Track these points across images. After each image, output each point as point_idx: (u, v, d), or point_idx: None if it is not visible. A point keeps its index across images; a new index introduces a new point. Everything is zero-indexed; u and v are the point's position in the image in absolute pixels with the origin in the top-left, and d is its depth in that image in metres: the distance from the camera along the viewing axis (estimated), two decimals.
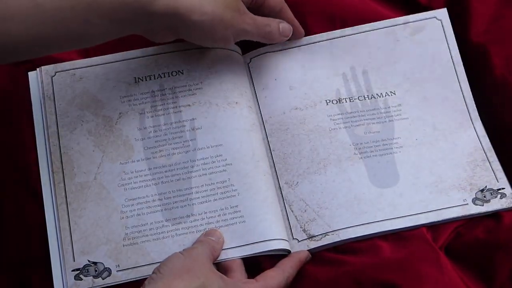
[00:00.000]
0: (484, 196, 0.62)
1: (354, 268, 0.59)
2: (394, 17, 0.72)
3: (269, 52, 0.69)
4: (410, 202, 0.62)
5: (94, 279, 0.58)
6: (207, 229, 0.60)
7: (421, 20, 0.70)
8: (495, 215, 0.63)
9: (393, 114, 0.67)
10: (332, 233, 0.61)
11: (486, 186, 0.63)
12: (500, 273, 0.60)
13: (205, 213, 0.60)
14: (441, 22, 0.70)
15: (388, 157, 0.64)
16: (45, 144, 0.63)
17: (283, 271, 0.58)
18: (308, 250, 0.61)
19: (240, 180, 0.62)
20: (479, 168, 0.64)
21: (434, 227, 0.62)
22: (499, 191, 0.63)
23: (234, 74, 0.67)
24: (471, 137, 0.66)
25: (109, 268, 0.58)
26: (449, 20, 0.70)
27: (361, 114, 0.67)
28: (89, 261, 0.58)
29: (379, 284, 0.58)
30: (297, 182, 0.63)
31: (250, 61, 0.69)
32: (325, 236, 0.61)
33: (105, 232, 0.59)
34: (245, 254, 0.59)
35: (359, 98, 0.67)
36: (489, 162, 0.64)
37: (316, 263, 0.61)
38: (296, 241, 0.61)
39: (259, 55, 0.69)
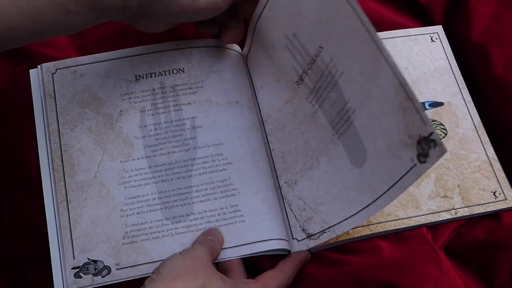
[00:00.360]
0: (423, 149, 0.52)
1: (354, 268, 0.60)
2: (394, 18, 0.73)
3: (254, 44, 0.67)
4: (381, 177, 0.55)
5: (94, 277, 0.57)
6: (206, 228, 0.60)
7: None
8: (495, 215, 0.63)
9: (333, 72, 0.59)
10: (329, 229, 0.60)
11: (419, 135, 0.52)
12: (500, 273, 0.60)
13: (205, 212, 0.60)
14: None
15: (352, 129, 0.58)
16: (46, 142, 0.63)
17: (283, 272, 0.58)
18: (307, 250, 0.61)
19: (240, 179, 0.62)
20: (408, 111, 0.52)
21: (434, 227, 0.63)
22: (430, 137, 0.51)
23: (234, 73, 0.67)
24: (386, 71, 0.53)
25: (108, 266, 0.58)
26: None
27: (319, 85, 0.61)
28: (88, 259, 0.58)
29: (379, 284, 0.58)
30: (296, 181, 0.63)
31: (247, 60, 0.69)
32: (322, 234, 0.60)
33: (105, 230, 0.59)
34: (244, 254, 0.59)
35: (308, 66, 0.62)
36: (411, 101, 0.52)
37: (316, 263, 0.61)
38: (296, 240, 0.61)
39: (249, 48, 0.68)
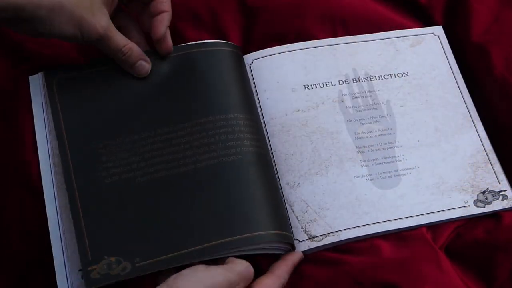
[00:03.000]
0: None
1: (354, 268, 0.60)
2: (394, 18, 0.73)
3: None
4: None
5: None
6: None
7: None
8: (495, 215, 0.63)
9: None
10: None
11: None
12: (500, 273, 0.60)
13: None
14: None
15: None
16: (47, 144, 0.63)
17: (278, 278, 0.57)
18: (308, 250, 0.61)
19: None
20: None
21: (434, 227, 0.63)
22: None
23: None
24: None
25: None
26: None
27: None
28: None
29: (379, 284, 0.58)
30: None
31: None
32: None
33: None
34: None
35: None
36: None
37: (316, 263, 0.61)
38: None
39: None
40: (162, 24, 0.63)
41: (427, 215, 0.62)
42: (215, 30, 0.71)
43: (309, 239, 0.61)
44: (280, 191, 0.63)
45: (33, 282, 0.60)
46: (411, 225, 0.62)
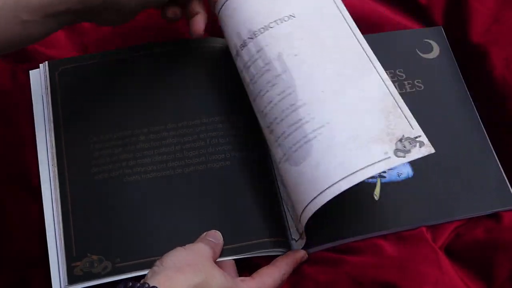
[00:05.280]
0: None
1: (354, 268, 0.59)
2: (394, 18, 0.73)
3: None
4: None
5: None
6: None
7: None
8: (495, 215, 0.63)
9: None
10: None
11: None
12: (500, 273, 0.60)
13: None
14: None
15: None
16: (46, 140, 0.63)
17: (279, 269, 0.58)
18: (305, 250, 0.60)
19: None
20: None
21: (434, 227, 0.62)
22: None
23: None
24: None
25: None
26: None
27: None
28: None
29: (379, 284, 0.58)
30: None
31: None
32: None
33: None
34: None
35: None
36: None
37: (316, 263, 0.61)
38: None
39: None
40: (199, 25, 0.63)
41: (347, 178, 0.54)
42: (216, 31, 0.71)
43: (301, 238, 0.60)
44: (279, 194, 0.63)
45: (33, 282, 0.61)
46: (332, 196, 0.55)
